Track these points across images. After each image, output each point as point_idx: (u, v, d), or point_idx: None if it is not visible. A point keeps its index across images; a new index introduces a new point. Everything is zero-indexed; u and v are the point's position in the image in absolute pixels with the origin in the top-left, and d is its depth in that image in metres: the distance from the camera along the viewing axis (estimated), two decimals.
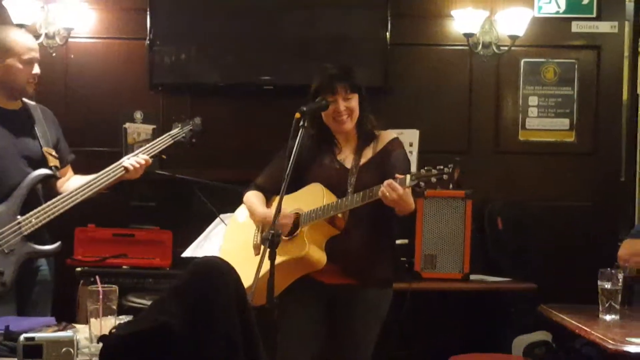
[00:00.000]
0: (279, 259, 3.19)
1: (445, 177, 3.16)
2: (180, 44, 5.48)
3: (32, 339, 2.49)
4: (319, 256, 3.46)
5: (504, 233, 5.42)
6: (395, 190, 3.22)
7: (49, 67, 5.31)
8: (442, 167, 3.18)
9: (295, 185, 3.52)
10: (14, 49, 3.65)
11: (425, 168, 3.20)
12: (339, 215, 3.45)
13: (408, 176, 3.21)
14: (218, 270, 2.32)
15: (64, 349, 2.48)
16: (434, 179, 3.17)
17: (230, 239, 3.90)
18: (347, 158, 3.61)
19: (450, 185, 3.19)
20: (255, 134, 5.52)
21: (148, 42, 5.44)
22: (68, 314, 3.74)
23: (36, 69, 3.71)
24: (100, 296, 2.80)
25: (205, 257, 2.49)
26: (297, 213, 3.53)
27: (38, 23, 5.39)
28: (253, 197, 3.72)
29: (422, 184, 3.19)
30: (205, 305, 2.26)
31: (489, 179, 5.59)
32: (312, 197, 3.51)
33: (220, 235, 4.52)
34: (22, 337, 2.49)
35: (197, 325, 2.23)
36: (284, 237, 3.38)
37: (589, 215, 5.61)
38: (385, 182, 3.25)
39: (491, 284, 5.08)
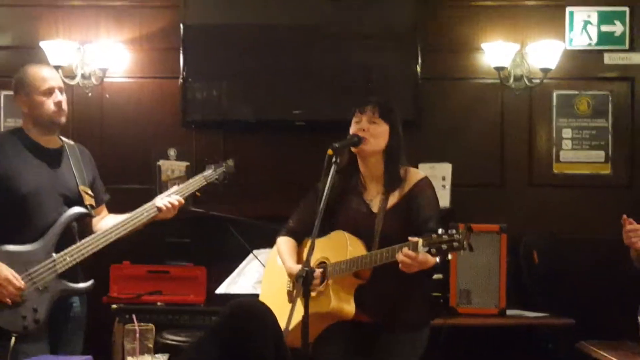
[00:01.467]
0: (301, 309, 3.17)
1: (455, 244, 3.11)
2: (213, 81, 5.54)
3: None
4: (346, 308, 3.44)
5: (540, 267, 5.36)
6: (412, 259, 3.18)
7: (84, 106, 5.45)
8: (453, 232, 3.11)
9: (327, 226, 3.53)
10: (31, 83, 3.73)
11: (440, 232, 3.13)
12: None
13: (420, 241, 3.16)
14: (256, 312, 2.34)
15: None
16: (444, 246, 3.12)
17: (267, 282, 3.91)
18: (374, 200, 3.57)
19: (461, 252, 3.14)
20: (288, 169, 5.54)
21: (181, 80, 5.49)
22: (103, 352, 3.77)
23: (58, 97, 3.76)
24: (137, 335, 2.81)
25: (244, 298, 2.50)
26: (324, 263, 3.52)
27: (74, 64, 5.48)
28: (283, 245, 3.72)
29: (433, 250, 3.14)
30: (243, 346, 2.26)
31: (524, 212, 5.55)
32: (337, 247, 3.50)
33: (254, 271, 4.55)
34: None
35: None
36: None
37: (626, 249, 5.53)
38: (401, 254, 3.20)
39: (528, 319, 5.02)
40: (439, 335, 3.81)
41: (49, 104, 3.72)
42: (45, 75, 3.77)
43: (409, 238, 3.21)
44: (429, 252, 3.14)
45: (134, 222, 3.79)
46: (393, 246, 3.26)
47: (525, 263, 5.38)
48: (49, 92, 3.74)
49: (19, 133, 3.78)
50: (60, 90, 3.79)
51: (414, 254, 3.18)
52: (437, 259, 3.21)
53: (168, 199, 3.84)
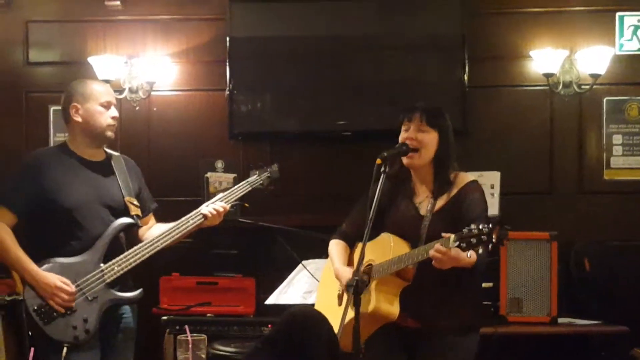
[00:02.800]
0: (350, 315, 3.18)
1: (484, 237, 3.08)
2: (258, 93, 5.58)
3: None
4: (389, 309, 3.41)
5: (591, 274, 5.30)
6: (444, 254, 3.17)
7: (132, 120, 5.51)
8: (482, 226, 3.08)
9: (378, 230, 3.51)
10: (91, 94, 3.78)
11: (472, 227, 3.11)
12: (409, 266, 3.41)
13: (452, 236, 3.15)
14: (312, 322, 2.34)
15: None
16: (473, 240, 3.09)
17: (322, 286, 3.91)
18: (422, 203, 3.55)
19: (490, 246, 3.11)
20: (335, 179, 5.55)
21: (228, 92, 5.53)
22: None
23: (114, 112, 3.82)
24: (190, 345, 2.82)
25: (299, 307, 2.50)
26: (370, 265, 3.50)
27: (122, 78, 5.55)
28: (334, 248, 3.73)
29: (463, 244, 3.11)
30: (298, 355, 2.26)
31: (574, 219, 5.50)
32: (382, 249, 3.49)
33: (303, 281, 4.54)
34: None
35: None
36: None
37: None
38: (432, 250, 3.19)
39: (580, 328, 4.96)
40: (490, 343, 3.76)
41: (106, 117, 3.77)
42: (106, 90, 3.86)
43: (443, 234, 3.20)
44: (459, 246, 3.13)
45: (179, 230, 3.80)
46: (429, 243, 3.25)
47: (577, 271, 5.34)
48: (108, 105, 3.80)
49: (63, 148, 3.83)
50: (116, 107, 3.86)
51: (444, 249, 3.16)
52: (473, 256, 3.18)
53: (213, 206, 3.85)
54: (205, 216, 3.83)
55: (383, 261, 3.44)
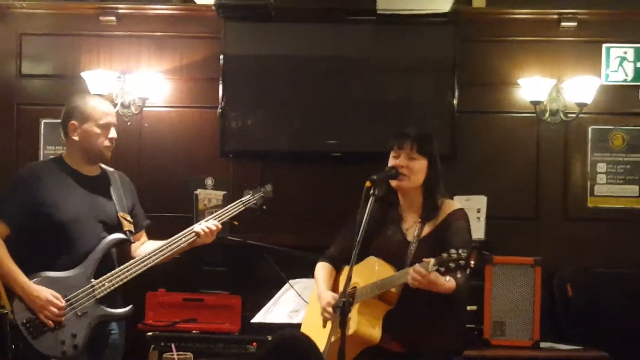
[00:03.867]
0: (335, 337, 3.22)
1: (461, 262, 3.13)
2: (251, 112, 5.60)
3: None
4: (370, 333, 3.43)
5: (574, 300, 5.35)
6: (422, 276, 3.21)
7: (123, 135, 5.46)
8: (460, 251, 3.14)
9: (365, 254, 3.54)
10: (91, 114, 3.78)
11: (451, 251, 3.16)
12: (392, 290, 3.43)
13: (432, 261, 3.19)
14: (301, 345, 2.35)
15: None
16: (452, 264, 3.14)
17: (309, 310, 3.93)
18: (410, 229, 3.58)
19: (467, 270, 3.16)
20: (324, 199, 5.58)
21: (220, 110, 5.56)
22: None
23: (113, 133, 3.83)
24: None
25: (289, 330, 2.52)
26: (355, 288, 3.52)
27: (114, 93, 5.58)
28: (319, 272, 3.75)
29: (442, 269, 3.16)
30: None
31: (558, 245, 5.55)
32: (367, 272, 3.51)
33: (289, 300, 4.56)
34: None
35: None
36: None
37: None
38: (411, 269, 3.24)
39: (562, 352, 5.01)
40: None
41: (104, 138, 3.79)
42: (106, 110, 3.84)
43: (423, 259, 3.24)
44: (438, 270, 3.17)
45: (171, 247, 3.83)
46: (410, 267, 3.29)
47: (560, 296, 5.38)
48: (107, 126, 3.81)
49: (59, 161, 3.83)
50: (115, 127, 3.87)
51: (424, 272, 3.20)
52: (452, 281, 3.23)
53: (206, 224, 3.88)
54: (198, 234, 3.85)
55: (366, 284, 3.47)
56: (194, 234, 3.86)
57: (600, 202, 5.68)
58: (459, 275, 3.19)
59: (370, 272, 3.49)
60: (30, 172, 3.80)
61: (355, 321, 3.43)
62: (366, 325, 3.44)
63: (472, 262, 3.12)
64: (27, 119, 5.79)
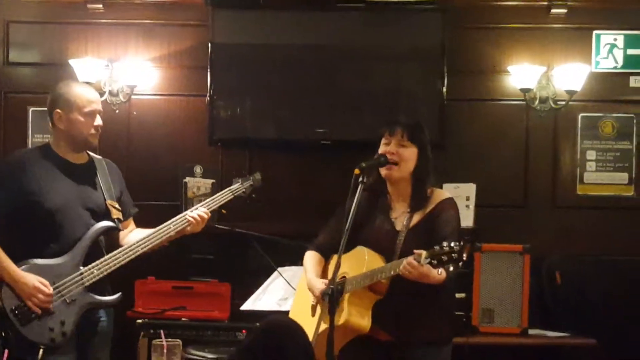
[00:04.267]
0: (322, 327, 3.21)
1: (454, 255, 3.12)
2: (239, 100, 5.60)
3: None
4: (360, 323, 3.44)
5: (562, 287, 5.37)
6: (414, 268, 3.22)
7: (112, 123, 5.48)
8: (452, 244, 3.13)
9: (354, 243, 3.52)
10: (75, 103, 3.75)
11: (443, 244, 3.16)
12: (382, 280, 3.43)
13: (424, 253, 3.19)
14: (288, 331, 2.35)
15: None
16: (444, 257, 3.14)
17: (297, 298, 3.93)
18: (399, 218, 3.58)
19: (460, 264, 3.15)
20: (312, 187, 5.59)
21: (208, 98, 5.55)
22: None
23: (98, 121, 3.80)
24: (165, 350, 2.84)
25: (277, 316, 2.52)
26: (344, 278, 3.52)
27: (102, 81, 5.56)
28: (308, 260, 3.73)
29: (434, 261, 3.16)
30: None
31: (547, 233, 5.57)
32: (356, 262, 3.51)
33: (278, 288, 4.57)
34: None
35: None
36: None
37: None
38: (405, 261, 3.24)
39: (550, 339, 5.02)
40: (461, 354, 3.80)
41: (89, 126, 3.76)
42: (91, 97, 3.80)
43: (415, 251, 3.24)
44: (430, 263, 3.17)
45: (160, 235, 3.81)
46: (401, 259, 3.29)
47: (548, 283, 5.40)
48: (92, 114, 3.78)
49: (46, 149, 3.81)
50: (100, 114, 3.84)
51: (416, 264, 3.21)
52: (443, 273, 3.24)
53: (197, 212, 3.87)
54: (189, 222, 3.84)
55: (356, 274, 3.46)
56: (185, 220, 3.84)
57: (589, 189, 5.69)
58: (451, 269, 3.18)
59: (360, 262, 3.49)
60: (17, 160, 3.78)
61: (346, 311, 3.43)
62: (356, 315, 3.44)
63: (465, 256, 3.12)
64: (14, 107, 5.78)
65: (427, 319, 3.50)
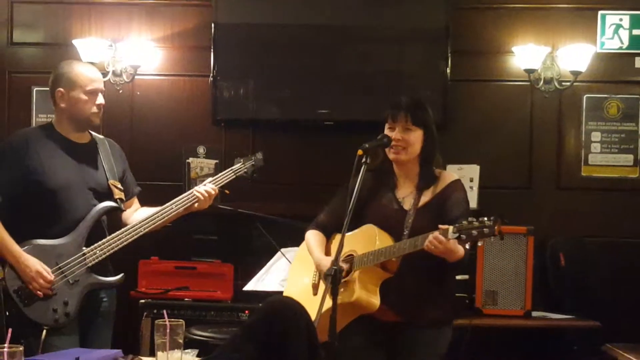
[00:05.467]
0: (328, 304, 3.18)
1: (486, 230, 3.12)
2: (242, 80, 5.58)
3: None
4: (371, 300, 3.44)
5: (566, 270, 5.36)
6: (441, 243, 3.21)
7: (115, 103, 5.50)
8: (484, 219, 3.13)
9: (356, 222, 3.52)
10: (78, 81, 3.75)
11: (469, 219, 3.16)
12: (393, 259, 3.43)
13: (451, 228, 3.18)
14: (291, 311, 2.36)
15: None
16: (475, 232, 3.13)
17: (293, 278, 3.91)
18: (406, 198, 3.57)
19: (492, 239, 3.15)
20: (316, 168, 5.58)
21: (211, 78, 5.54)
22: (130, 345, 3.81)
23: (100, 100, 3.80)
24: (168, 330, 2.83)
25: (278, 297, 2.52)
26: (352, 256, 3.53)
27: (106, 61, 5.55)
28: (312, 238, 3.72)
29: (463, 236, 3.15)
30: (278, 344, 2.29)
31: (551, 214, 5.55)
32: (366, 240, 3.50)
33: (281, 269, 4.57)
34: None
35: None
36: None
37: None
38: (431, 235, 3.23)
39: (554, 321, 5.03)
40: (464, 335, 3.80)
41: (91, 105, 3.76)
42: (93, 76, 3.80)
43: (440, 226, 3.22)
44: (458, 238, 3.16)
45: (164, 215, 3.81)
46: (424, 234, 3.27)
47: (552, 265, 5.39)
48: (94, 93, 3.77)
49: (49, 129, 3.81)
50: (103, 93, 3.83)
51: (442, 239, 3.19)
52: (462, 251, 3.24)
53: (204, 187, 3.86)
54: (197, 198, 3.83)
55: (368, 251, 3.45)
56: (194, 196, 3.83)
57: (594, 171, 5.66)
58: (479, 244, 3.17)
59: (370, 240, 3.48)
60: (19, 139, 3.78)
61: (357, 288, 3.42)
62: (367, 293, 3.44)
63: (497, 230, 3.10)
64: (18, 87, 5.78)
65: (434, 299, 3.51)
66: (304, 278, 3.71)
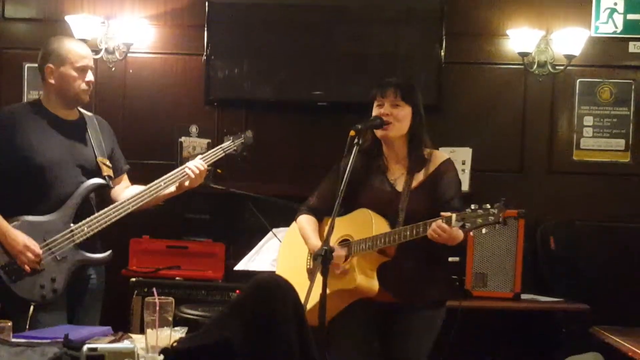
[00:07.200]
0: (330, 289, 3.19)
1: (491, 218, 3.13)
2: (235, 60, 5.55)
3: (95, 349, 2.54)
4: (370, 285, 3.45)
5: (556, 253, 5.37)
6: (445, 231, 3.22)
7: (107, 81, 5.48)
8: (488, 206, 3.14)
9: (347, 204, 3.53)
10: (67, 57, 3.72)
11: (472, 207, 3.17)
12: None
13: (454, 216, 3.19)
14: (278, 289, 2.36)
15: None
16: (480, 220, 3.14)
17: (284, 258, 3.92)
18: (398, 179, 3.58)
19: (496, 226, 3.15)
20: (309, 149, 5.57)
21: (205, 57, 5.52)
22: (120, 323, 3.80)
23: (90, 76, 3.78)
24: (157, 308, 2.83)
25: (266, 274, 2.52)
26: (348, 241, 3.53)
27: (98, 38, 5.52)
28: (306, 224, 3.72)
29: (467, 224, 3.16)
30: (265, 322, 2.29)
31: (542, 198, 5.56)
32: (361, 224, 3.51)
33: (272, 249, 4.57)
34: (85, 347, 2.54)
35: (257, 341, 2.26)
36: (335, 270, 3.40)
37: None
38: (434, 224, 3.23)
39: (543, 304, 5.05)
40: (455, 317, 3.81)
41: (81, 82, 3.74)
42: (82, 53, 3.77)
43: (442, 214, 3.23)
44: (462, 226, 3.17)
45: (151, 192, 3.77)
46: (425, 221, 3.28)
47: (542, 249, 5.40)
48: (84, 69, 3.75)
49: (37, 105, 3.79)
50: (92, 70, 3.81)
51: (446, 227, 3.21)
52: (461, 235, 3.26)
53: (194, 163, 3.83)
54: (186, 174, 3.81)
55: (366, 237, 3.45)
56: (183, 173, 3.81)
57: (586, 155, 5.67)
58: (484, 231, 3.19)
59: (366, 225, 3.48)
60: (7, 115, 3.75)
61: (358, 274, 3.44)
62: (366, 278, 3.45)
63: (503, 218, 3.11)
64: (10, 63, 5.75)
65: (430, 280, 3.54)
66: (296, 261, 3.71)
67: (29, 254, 3.54)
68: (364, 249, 3.45)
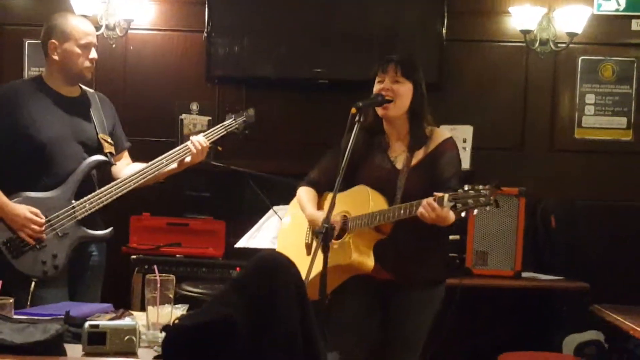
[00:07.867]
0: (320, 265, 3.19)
1: (482, 199, 3.10)
2: (236, 37, 5.52)
3: (97, 326, 2.55)
4: (366, 261, 3.45)
5: (557, 231, 5.37)
6: (434, 210, 3.19)
7: (108, 57, 5.45)
8: (479, 187, 3.10)
9: (347, 181, 3.52)
10: (71, 34, 3.72)
11: (466, 187, 3.13)
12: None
13: (446, 196, 3.16)
14: (280, 266, 2.35)
15: (126, 337, 2.55)
16: (471, 201, 3.11)
17: (284, 237, 3.93)
18: (398, 157, 3.58)
19: (487, 208, 3.13)
20: (309, 127, 5.56)
21: (206, 34, 5.49)
22: (121, 300, 3.82)
23: (93, 54, 3.77)
24: (158, 285, 2.84)
25: (268, 251, 2.52)
26: (345, 216, 3.53)
27: (99, 14, 5.49)
28: (304, 195, 3.73)
29: (459, 205, 3.13)
30: (267, 299, 2.29)
31: (543, 176, 5.54)
32: (358, 201, 3.50)
33: (273, 226, 4.58)
34: (87, 324, 2.55)
35: (259, 318, 2.26)
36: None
37: None
38: (424, 202, 3.21)
39: (543, 282, 5.05)
40: (454, 295, 3.82)
41: (84, 59, 3.74)
42: (87, 30, 3.78)
43: (435, 193, 3.21)
44: (454, 207, 3.15)
45: (153, 170, 3.78)
46: (418, 200, 3.26)
47: (543, 227, 5.40)
48: (87, 46, 3.75)
49: (39, 82, 3.79)
50: (96, 48, 3.81)
51: (436, 206, 3.17)
52: (454, 217, 3.23)
53: (196, 138, 3.83)
54: (189, 149, 3.80)
55: (362, 214, 3.45)
56: (186, 148, 3.81)
57: (587, 133, 5.66)
58: (475, 212, 3.16)
59: (364, 202, 3.48)
60: (9, 91, 3.75)
61: (352, 250, 3.44)
62: (361, 254, 3.45)
63: (493, 199, 3.09)
64: (11, 39, 5.72)
65: (427, 258, 3.54)
66: (296, 236, 3.72)
67: (33, 225, 3.55)
68: (360, 225, 3.45)
